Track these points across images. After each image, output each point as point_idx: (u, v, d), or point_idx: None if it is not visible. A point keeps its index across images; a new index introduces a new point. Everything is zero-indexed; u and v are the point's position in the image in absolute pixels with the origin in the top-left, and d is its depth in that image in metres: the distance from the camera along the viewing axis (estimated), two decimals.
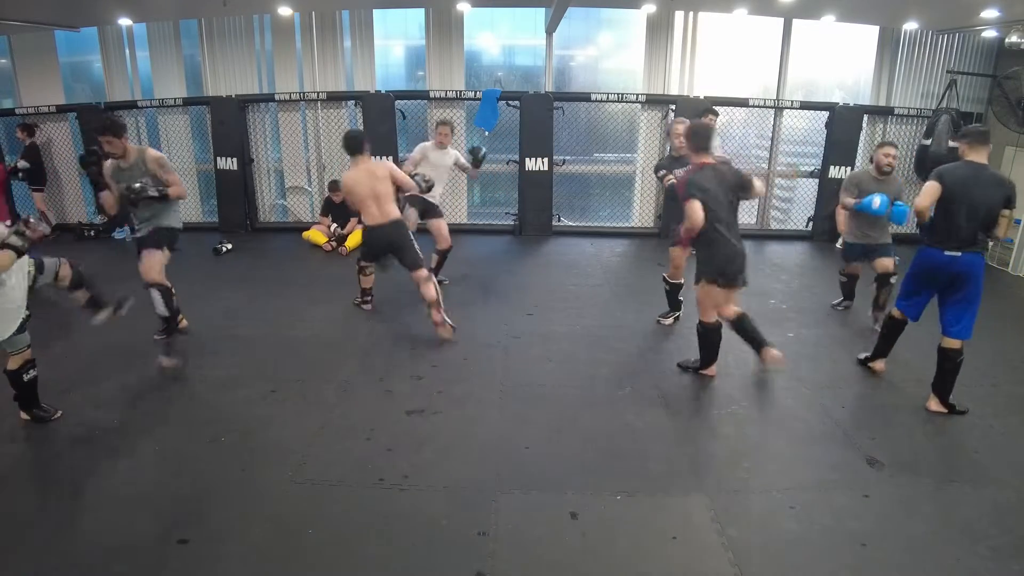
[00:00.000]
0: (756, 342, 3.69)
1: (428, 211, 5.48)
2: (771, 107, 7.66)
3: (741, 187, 3.64)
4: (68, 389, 3.71)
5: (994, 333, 4.77)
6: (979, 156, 3.41)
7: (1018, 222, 6.69)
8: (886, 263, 4.71)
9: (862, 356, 4.13)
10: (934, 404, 3.57)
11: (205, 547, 2.47)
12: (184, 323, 4.43)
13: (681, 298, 4.82)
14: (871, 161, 4.85)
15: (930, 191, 3.45)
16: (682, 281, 4.73)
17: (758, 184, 3.71)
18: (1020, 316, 5.57)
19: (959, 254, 3.38)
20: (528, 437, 3.30)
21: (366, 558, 2.44)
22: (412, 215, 5.42)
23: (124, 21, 7.43)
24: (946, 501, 2.81)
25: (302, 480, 2.90)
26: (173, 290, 4.20)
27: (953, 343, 3.47)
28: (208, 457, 3.09)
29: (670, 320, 4.84)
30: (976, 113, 7.51)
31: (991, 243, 3.56)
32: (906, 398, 3.75)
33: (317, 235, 7.14)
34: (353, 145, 4.55)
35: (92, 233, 7.78)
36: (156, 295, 4.01)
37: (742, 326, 3.73)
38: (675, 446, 3.23)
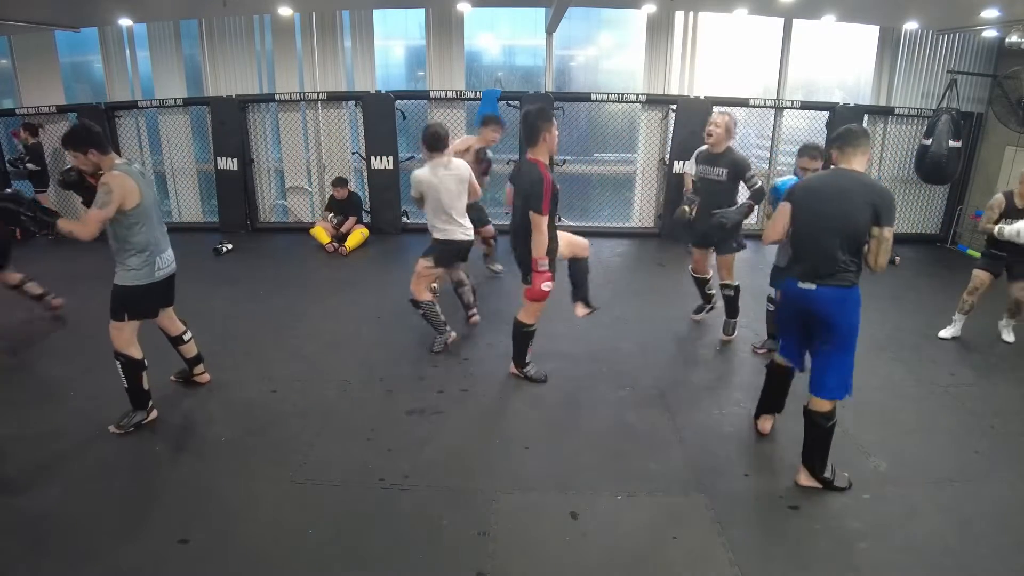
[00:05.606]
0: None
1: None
2: (771, 107, 7.65)
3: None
4: (70, 390, 3.72)
5: (994, 333, 4.76)
6: (850, 162, 2.69)
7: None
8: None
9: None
10: (803, 477, 2.88)
11: (205, 547, 2.47)
12: (154, 414, 3.41)
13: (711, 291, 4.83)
14: None
15: (780, 215, 2.84)
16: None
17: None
18: None
19: (814, 287, 2.67)
20: (528, 437, 3.30)
21: (366, 558, 2.44)
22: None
23: (124, 21, 7.42)
24: (946, 501, 2.81)
25: (302, 480, 2.91)
26: (145, 362, 3.30)
27: (821, 404, 2.75)
28: (208, 457, 3.10)
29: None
30: (977, 113, 7.52)
31: (869, 271, 2.69)
32: (906, 399, 3.75)
33: (321, 233, 7.14)
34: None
35: None
36: (118, 366, 3.25)
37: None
38: (675, 446, 3.23)
